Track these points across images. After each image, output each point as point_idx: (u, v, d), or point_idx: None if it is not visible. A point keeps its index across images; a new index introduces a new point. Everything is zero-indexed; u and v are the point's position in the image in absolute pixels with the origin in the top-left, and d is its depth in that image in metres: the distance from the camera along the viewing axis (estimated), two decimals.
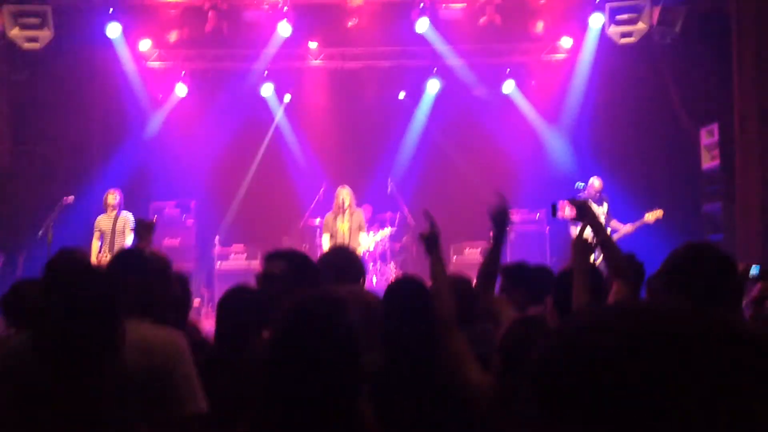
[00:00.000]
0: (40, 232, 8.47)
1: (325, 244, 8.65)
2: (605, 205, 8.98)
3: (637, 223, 8.71)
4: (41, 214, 8.75)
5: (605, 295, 3.29)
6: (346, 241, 8.29)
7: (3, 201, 9.76)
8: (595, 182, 9.01)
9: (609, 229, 8.60)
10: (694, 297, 2.36)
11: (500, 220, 3.38)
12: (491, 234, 3.44)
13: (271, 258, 3.36)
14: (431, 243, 3.33)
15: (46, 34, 9.16)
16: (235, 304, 3.28)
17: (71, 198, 8.75)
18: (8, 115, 9.88)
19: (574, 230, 8.52)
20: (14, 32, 9.14)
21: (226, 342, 3.19)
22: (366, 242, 8.90)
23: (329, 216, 8.75)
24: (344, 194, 8.65)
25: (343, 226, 8.61)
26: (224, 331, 3.26)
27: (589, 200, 8.59)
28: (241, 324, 3.16)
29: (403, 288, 3.29)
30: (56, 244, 8.74)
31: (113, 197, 8.73)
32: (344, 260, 4.01)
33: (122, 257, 2.99)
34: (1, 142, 9.85)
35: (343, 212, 8.61)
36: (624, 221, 8.88)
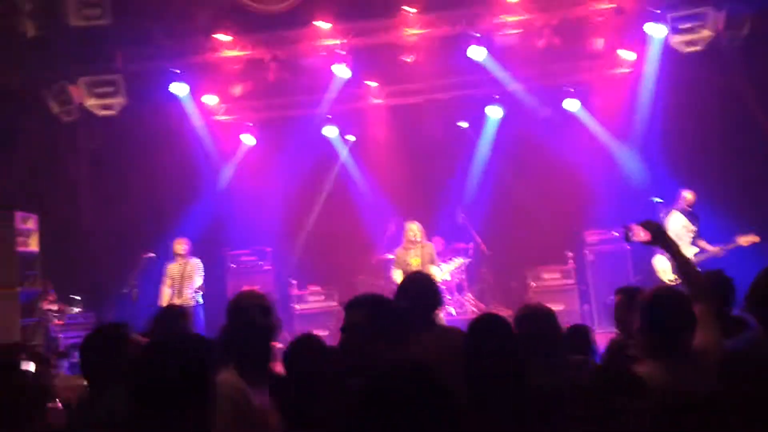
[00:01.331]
0: (125, 289, 8.77)
1: (397, 279, 8.63)
2: (696, 222, 8.55)
3: (728, 246, 8.20)
4: (125, 272, 9.08)
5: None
6: None
7: (88, 261, 10.18)
8: (687, 195, 8.57)
9: (696, 249, 8.27)
10: None
11: (657, 233, 3.32)
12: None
13: (351, 306, 3.35)
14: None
15: (119, 101, 9.60)
16: (299, 356, 3.30)
17: (152, 254, 9.08)
18: (88, 179, 10.36)
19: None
20: (91, 102, 9.62)
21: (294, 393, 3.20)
22: (439, 275, 8.84)
23: (400, 251, 8.75)
24: (414, 228, 8.65)
25: (414, 260, 8.59)
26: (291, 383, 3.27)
27: (679, 213, 8.36)
28: (307, 376, 3.16)
29: (486, 326, 3.23)
30: (141, 300, 9.07)
31: (181, 246, 9.07)
32: (422, 287, 3.98)
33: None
34: (84, 206, 10.32)
35: (414, 246, 8.59)
36: (708, 236, 8.48)
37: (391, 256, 9.65)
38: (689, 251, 7.98)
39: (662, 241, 3.33)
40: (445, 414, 1.82)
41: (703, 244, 8.36)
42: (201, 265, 9.23)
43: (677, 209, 8.45)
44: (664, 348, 2.94)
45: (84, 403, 3.13)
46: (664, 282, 7.95)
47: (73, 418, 3.15)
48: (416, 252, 8.64)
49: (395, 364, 1.97)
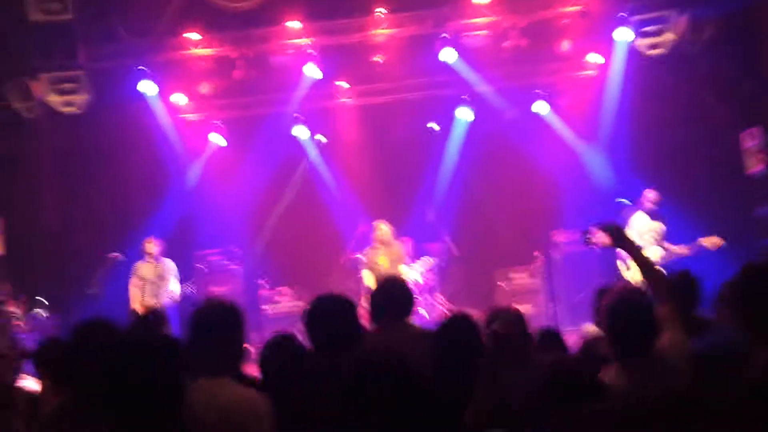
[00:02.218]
0: (91, 290, 8.64)
1: (367, 279, 8.65)
2: (660, 222, 8.52)
3: (692, 246, 8.12)
4: (91, 272, 8.93)
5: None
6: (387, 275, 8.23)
7: (54, 262, 9.99)
8: (649, 194, 8.45)
9: (660, 249, 8.31)
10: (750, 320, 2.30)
11: (617, 235, 3.34)
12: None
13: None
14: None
15: (82, 98, 9.44)
16: (275, 356, 3.30)
17: (118, 255, 8.94)
18: (52, 178, 10.16)
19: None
20: (52, 98, 9.44)
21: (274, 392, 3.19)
22: (408, 274, 8.86)
23: (369, 251, 8.75)
24: (382, 228, 8.65)
25: (383, 260, 8.60)
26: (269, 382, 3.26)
27: (643, 213, 8.44)
28: (284, 373, 3.16)
29: (456, 325, 3.26)
30: (107, 300, 8.94)
31: (151, 246, 8.92)
32: (393, 296, 4.01)
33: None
34: (49, 207, 10.13)
35: (383, 246, 8.59)
36: (673, 238, 8.57)
37: (360, 257, 9.64)
38: (653, 251, 8.07)
39: (622, 243, 3.37)
40: (422, 398, 1.85)
41: (666, 245, 8.44)
42: (175, 267, 9.10)
43: (641, 209, 8.51)
44: (629, 350, 2.97)
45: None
46: (630, 283, 8.03)
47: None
48: (385, 252, 8.64)
49: (374, 354, 1.99)
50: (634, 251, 3.33)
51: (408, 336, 3.81)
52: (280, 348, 3.48)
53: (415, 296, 4.24)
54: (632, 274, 8.20)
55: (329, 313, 3.29)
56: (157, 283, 8.80)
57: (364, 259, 8.91)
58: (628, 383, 2.83)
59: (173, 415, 2.13)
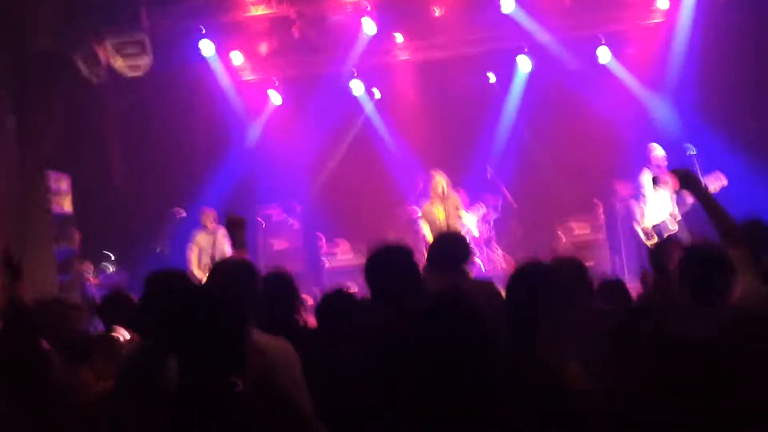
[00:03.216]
0: (157, 247, 8.90)
1: (425, 231, 8.63)
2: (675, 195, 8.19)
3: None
4: (156, 228, 9.19)
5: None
6: (444, 226, 8.25)
7: (120, 219, 10.33)
8: (655, 152, 7.98)
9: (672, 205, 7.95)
10: None
11: (687, 181, 3.28)
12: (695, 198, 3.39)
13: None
14: (684, 178, 3.27)
15: (146, 61, 9.61)
16: (332, 310, 3.34)
17: (182, 211, 9.16)
18: (118, 140, 10.46)
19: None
20: (118, 63, 9.65)
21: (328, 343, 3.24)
22: (468, 221, 8.78)
23: (426, 205, 8.72)
24: (439, 180, 8.59)
25: (439, 211, 8.55)
26: (324, 335, 3.31)
27: (649, 171, 8.05)
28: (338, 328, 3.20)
29: (527, 272, 3.22)
30: (173, 256, 9.22)
31: (209, 219, 9.08)
32: (451, 245, 3.99)
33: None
34: (114, 165, 10.45)
35: (439, 198, 8.54)
36: (740, 185, 8.19)
37: (417, 209, 9.64)
38: (667, 207, 7.80)
39: (691, 186, 3.28)
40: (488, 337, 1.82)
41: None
42: (226, 233, 9.28)
43: (648, 168, 8.10)
44: (706, 298, 2.89)
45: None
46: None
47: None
48: (441, 203, 8.58)
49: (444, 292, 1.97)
50: (704, 195, 3.24)
51: (466, 284, 3.80)
52: (335, 299, 3.53)
53: (471, 246, 4.21)
54: (647, 220, 7.92)
55: (390, 261, 3.25)
56: (215, 252, 9.01)
57: (420, 212, 8.90)
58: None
59: (237, 359, 2.21)
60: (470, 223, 8.90)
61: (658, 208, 7.84)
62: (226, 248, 9.04)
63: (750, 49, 9.58)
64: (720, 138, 9.35)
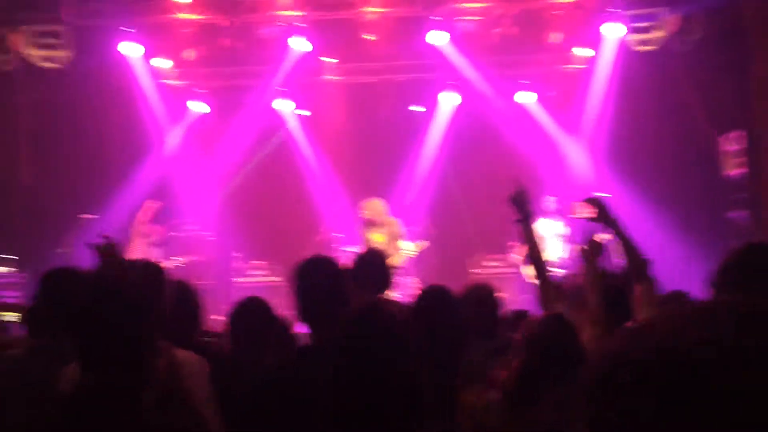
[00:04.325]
0: (60, 250, 8.50)
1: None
2: (560, 223, 8.93)
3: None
4: (62, 231, 8.79)
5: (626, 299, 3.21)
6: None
7: (24, 219, 9.82)
8: (548, 200, 8.98)
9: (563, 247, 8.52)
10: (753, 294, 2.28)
11: (521, 202, 3.35)
12: (517, 219, 3.41)
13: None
14: (601, 209, 3.26)
15: (63, 54, 9.24)
16: (247, 315, 3.26)
17: (90, 215, 8.81)
18: (28, 134, 9.97)
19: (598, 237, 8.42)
20: (32, 52, 9.24)
21: (242, 353, 3.15)
22: (405, 250, 8.82)
23: (364, 230, 8.78)
24: (372, 207, 8.64)
25: (378, 237, 8.62)
26: (239, 344, 3.22)
27: (544, 218, 8.58)
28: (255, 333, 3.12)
29: (432, 297, 3.24)
30: (76, 261, 8.79)
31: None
32: (377, 268, 3.95)
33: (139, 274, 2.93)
34: (22, 161, 9.94)
35: (379, 224, 8.62)
36: (643, 234, 8.59)
37: (338, 235, 9.68)
38: (558, 249, 8.35)
39: (605, 218, 3.37)
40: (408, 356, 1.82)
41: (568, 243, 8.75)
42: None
43: (542, 216, 8.60)
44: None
45: None
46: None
47: None
48: (380, 230, 8.65)
49: (366, 307, 1.94)
50: (617, 227, 3.33)
51: (388, 304, 3.77)
52: (248, 311, 3.44)
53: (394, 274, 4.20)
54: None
55: (318, 273, 3.11)
56: None
57: (364, 240, 8.94)
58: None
59: (141, 362, 2.10)
60: (406, 252, 8.95)
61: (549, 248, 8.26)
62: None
63: (662, 102, 10.10)
64: (627, 186, 9.79)
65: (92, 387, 1.96)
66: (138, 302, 2.20)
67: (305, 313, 2.85)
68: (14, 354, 2.91)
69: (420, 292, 3.52)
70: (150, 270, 2.94)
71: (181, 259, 9.56)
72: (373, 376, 1.74)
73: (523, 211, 3.36)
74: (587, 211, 3.27)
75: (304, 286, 2.87)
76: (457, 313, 3.13)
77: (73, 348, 2.11)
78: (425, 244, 9.55)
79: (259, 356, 3.12)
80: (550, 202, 9.01)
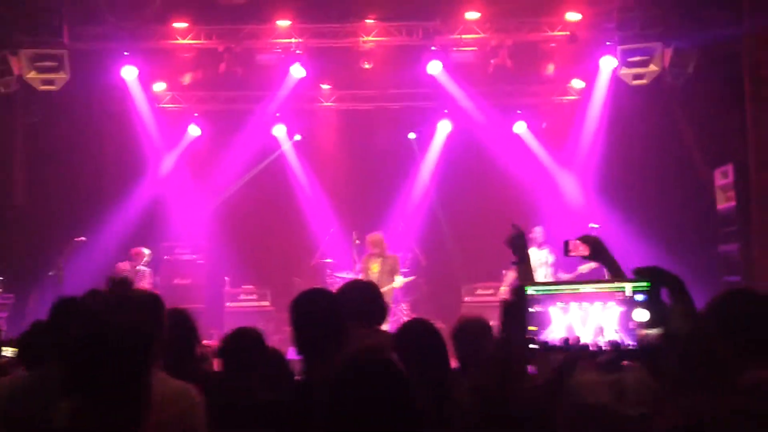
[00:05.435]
0: (52, 272, 8.47)
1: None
2: (545, 251, 9.08)
3: (575, 274, 8.63)
4: (54, 253, 8.77)
5: None
6: (377, 281, 8.42)
7: (16, 240, 9.78)
8: (535, 231, 9.11)
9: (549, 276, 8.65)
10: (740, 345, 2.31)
11: (518, 245, 3.36)
12: (513, 261, 3.41)
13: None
14: (595, 247, 3.25)
15: (62, 77, 9.26)
16: (240, 344, 3.25)
17: (83, 238, 8.81)
18: (23, 155, 9.97)
19: (584, 268, 8.56)
20: (31, 75, 9.26)
21: (234, 382, 3.14)
22: (397, 285, 9.12)
23: (365, 257, 9.20)
24: (374, 240, 9.06)
25: (375, 267, 8.98)
26: (231, 375, 3.20)
27: (533, 248, 8.69)
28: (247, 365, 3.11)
29: (414, 331, 3.24)
30: (67, 284, 8.76)
31: (139, 257, 9.51)
32: (370, 300, 3.90)
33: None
34: (16, 181, 9.93)
35: (378, 255, 8.99)
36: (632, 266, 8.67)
37: (329, 260, 9.77)
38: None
39: (600, 255, 3.39)
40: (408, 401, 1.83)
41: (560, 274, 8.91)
42: (150, 273, 9.62)
43: (531, 245, 8.74)
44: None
45: None
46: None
47: None
48: (377, 261, 9.01)
49: (361, 352, 1.95)
50: (611, 264, 3.35)
51: (384, 340, 3.76)
52: (240, 341, 3.42)
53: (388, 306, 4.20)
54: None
55: (315, 306, 3.09)
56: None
57: (362, 266, 9.20)
58: None
59: (137, 401, 2.09)
60: (397, 285, 9.15)
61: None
62: (144, 284, 9.00)
63: (653, 136, 10.19)
64: (619, 217, 9.85)
65: (88, 423, 1.95)
66: (138, 337, 2.19)
67: (302, 346, 2.85)
68: (8, 387, 2.87)
69: (403, 323, 3.52)
70: (149, 301, 2.92)
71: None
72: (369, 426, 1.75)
73: (521, 253, 3.38)
74: (581, 249, 3.28)
75: (300, 319, 2.87)
76: (440, 347, 3.13)
77: (67, 381, 2.09)
78: (411, 278, 9.67)
79: (251, 387, 3.10)
80: (536, 232, 9.14)
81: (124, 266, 9.39)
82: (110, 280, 3.19)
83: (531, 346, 2.62)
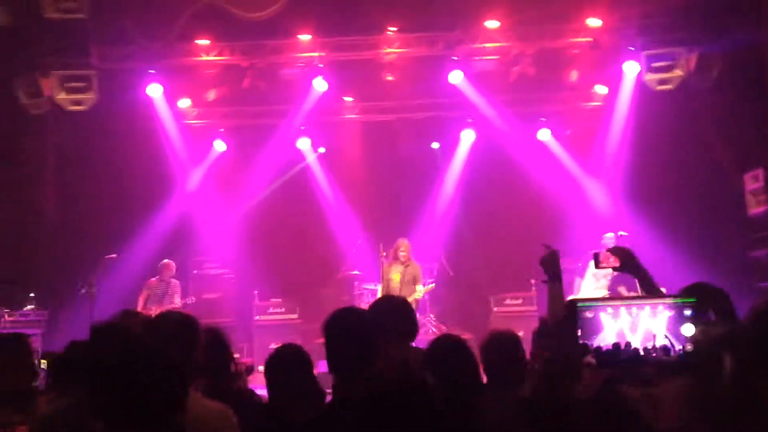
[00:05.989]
0: (84, 290, 8.60)
1: (380, 293, 8.79)
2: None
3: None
4: (85, 269, 8.90)
5: None
6: (398, 289, 8.42)
7: (48, 257, 9.95)
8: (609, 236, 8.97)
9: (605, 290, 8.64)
10: None
11: (551, 264, 3.36)
12: (544, 280, 3.41)
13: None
14: (625, 259, 3.26)
15: (90, 97, 9.44)
16: (285, 364, 3.26)
17: (114, 255, 8.94)
18: (54, 174, 10.16)
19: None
20: (61, 96, 9.45)
21: (279, 402, 3.16)
22: (419, 294, 9.02)
23: (386, 266, 9.07)
24: (402, 246, 8.91)
25: (395, 276, 8.82)
26: (276, 393, 3.22)
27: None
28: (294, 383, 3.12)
29: (445, 347, 3.25)
30: (98, 300, 8.89)
31: (169, 273, 9.67)
32: (402, 317, 3.90)
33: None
34: (48, 199, 10.12)
35: (400, 264, 8.86)
36: (665, 274, 8.52)
37: (356, 272, 9.78)
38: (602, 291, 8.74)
39: (631, 267, 3.38)
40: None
41: (621, 289, 8.76)
42: (179, 285, 9.72)
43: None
44: None
45: None
46: None
47: None
48: (398, 269, 8.84)
49: (392, 374, 1.98)
50: (644, 277, 3.34)
51: (415, 356, 3.76)
52: (286, 359, 3.41)
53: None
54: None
55: (350, 325, 3.08)
56: (164, 299, 9.46)
57: (381, 273, 9.18)
58: None
59: (174, 425, 2.11)
60: (418, 295, 9.05)
61: (594, 288, 8.34)
62: (176, 298, 9.30)
63: (682, 141, 10.06)
64: (646, 223, 9.74)
65: None
66: (175, 361, 2.20)
67: (334, 365, 2.87)
68: (44, 413, 2.90)
69: (434, 339, 3.52)
70: (185, 323, 2.93)
71: (192, 298, 9.77)
72: None
73: (553, 272, 3.38)
74: (612, 261, 3.29)
75: (332, 339, 2.88)
76: (470, 363, 3.14)
77: (104, 405, 2.11)
78: (431, 287, 9.61)
79: (293, 406, 3.11)
80: (607, 238, 8.95)
81: (153, 282, 9.53)
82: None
83: (586, 360, 2.64)
